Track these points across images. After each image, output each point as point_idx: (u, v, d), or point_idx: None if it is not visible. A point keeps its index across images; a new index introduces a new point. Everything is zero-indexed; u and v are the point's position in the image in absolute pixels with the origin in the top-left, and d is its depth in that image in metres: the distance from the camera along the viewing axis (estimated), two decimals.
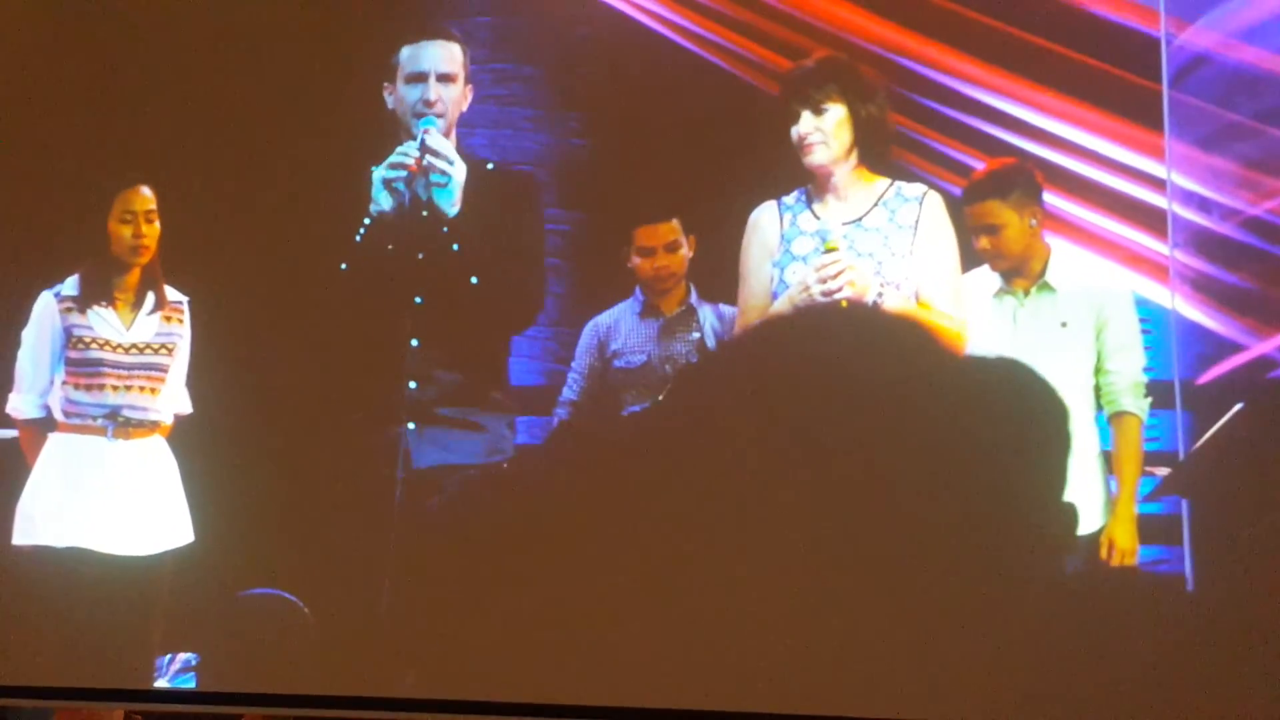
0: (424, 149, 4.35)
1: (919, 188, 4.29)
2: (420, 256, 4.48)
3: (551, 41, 4.58)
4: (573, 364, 4.53)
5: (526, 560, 4.36)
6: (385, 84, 4.48)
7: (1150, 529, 4.17)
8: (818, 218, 4.34)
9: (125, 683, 4.58)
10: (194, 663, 4.63)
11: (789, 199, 4.33)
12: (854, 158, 4.32)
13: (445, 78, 4.44)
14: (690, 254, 4.47)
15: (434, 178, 4.36)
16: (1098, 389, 4.20)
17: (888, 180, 4.33)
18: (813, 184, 4.34)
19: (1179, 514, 4.17)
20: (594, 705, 4.27)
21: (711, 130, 4.46)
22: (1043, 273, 4.25)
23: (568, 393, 4.57)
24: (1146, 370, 4.20)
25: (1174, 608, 4.13)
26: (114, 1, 4.92)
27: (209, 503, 4.65)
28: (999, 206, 4.25)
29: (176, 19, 4.87)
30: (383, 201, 4.41)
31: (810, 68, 4.30)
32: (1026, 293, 4.26)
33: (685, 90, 4.49)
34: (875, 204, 4.28)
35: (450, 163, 4.37)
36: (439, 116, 4.42)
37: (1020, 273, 4.27)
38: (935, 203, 4.27)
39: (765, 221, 4.34)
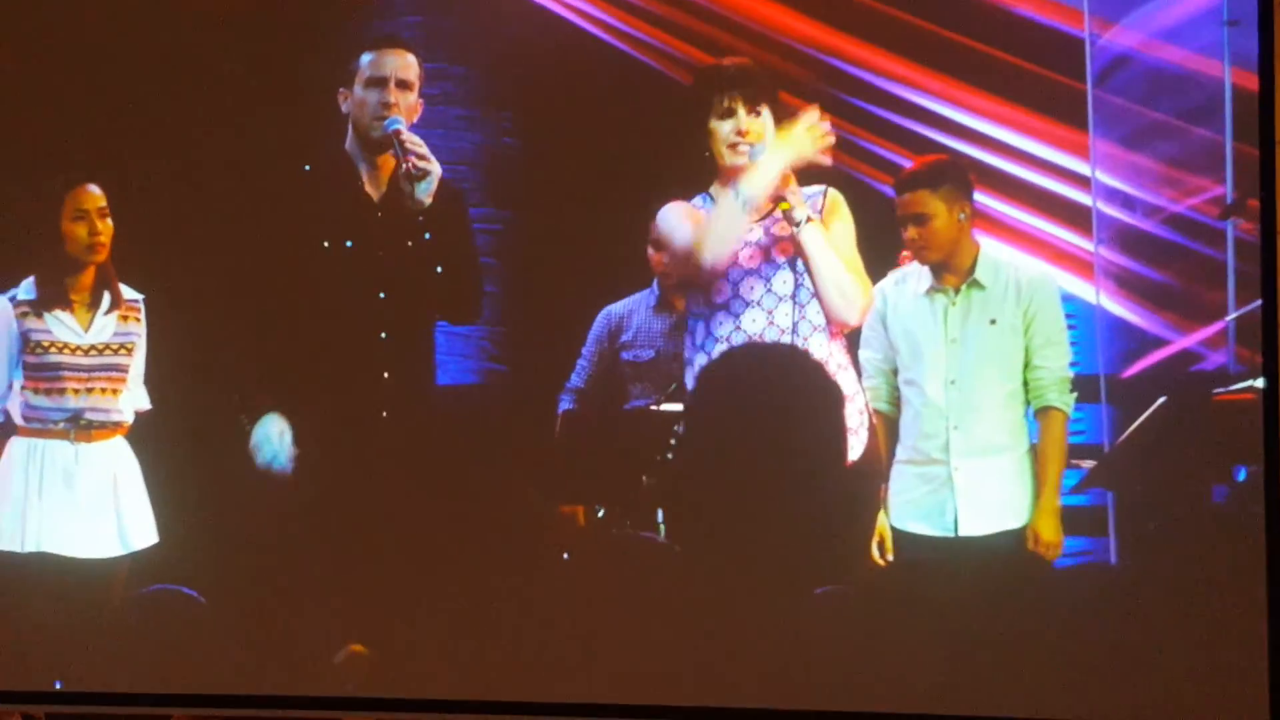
0: (401, 144, 4.39)
1: (818, 187, 4.36)
2: (380, 254, 4.52)
3: (482, 41, 4.57)
4: (583, 350, 4.60)
5: (509, 563, 4.47)
6: (341, 89, 4.50)
7: (1076, 521, 4.30)
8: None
9: (85, 685, 4.65)
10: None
11: (697, 201, 4.38)
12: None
13: (403, 84, 4.48)
14: None
15: (417, 168, 4.39)
16: (1025, 384, 4.29)
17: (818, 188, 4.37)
18: (716, 183, 4.37)
19: (1104, 505, 4.29)
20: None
21: (638, 127, 4.49)
22: (972, 270, 4.32)
23: (574, 380, 4.64)
24: (1072, 365, 4.29)
25: (1100, 597, 4.28)
26: (55, 6, 4.84)
27: (173, 503, 4.68)
28: (928, 197, 4.30)
29: (120, 17, 4.82)
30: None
31: (738, 65, 4.31)
32: (957, 290, 4.33)
33: (612, 88, 4.52)
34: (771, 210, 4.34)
35: (428, 158, 4.42)
36: (398, 113, 4.46)
37: (949, 269, 4.34)
38: (836, 198, 4.35)
39: (680, 206, 4.37)
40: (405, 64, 4.50)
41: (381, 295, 4.50)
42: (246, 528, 4.55)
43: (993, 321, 4.31)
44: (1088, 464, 4.32)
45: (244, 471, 4.60)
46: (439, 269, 4.48)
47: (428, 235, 4.45)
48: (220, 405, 4.64)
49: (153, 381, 4.76)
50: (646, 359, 4.53)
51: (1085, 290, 4.31)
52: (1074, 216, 4.31)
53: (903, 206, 4.32)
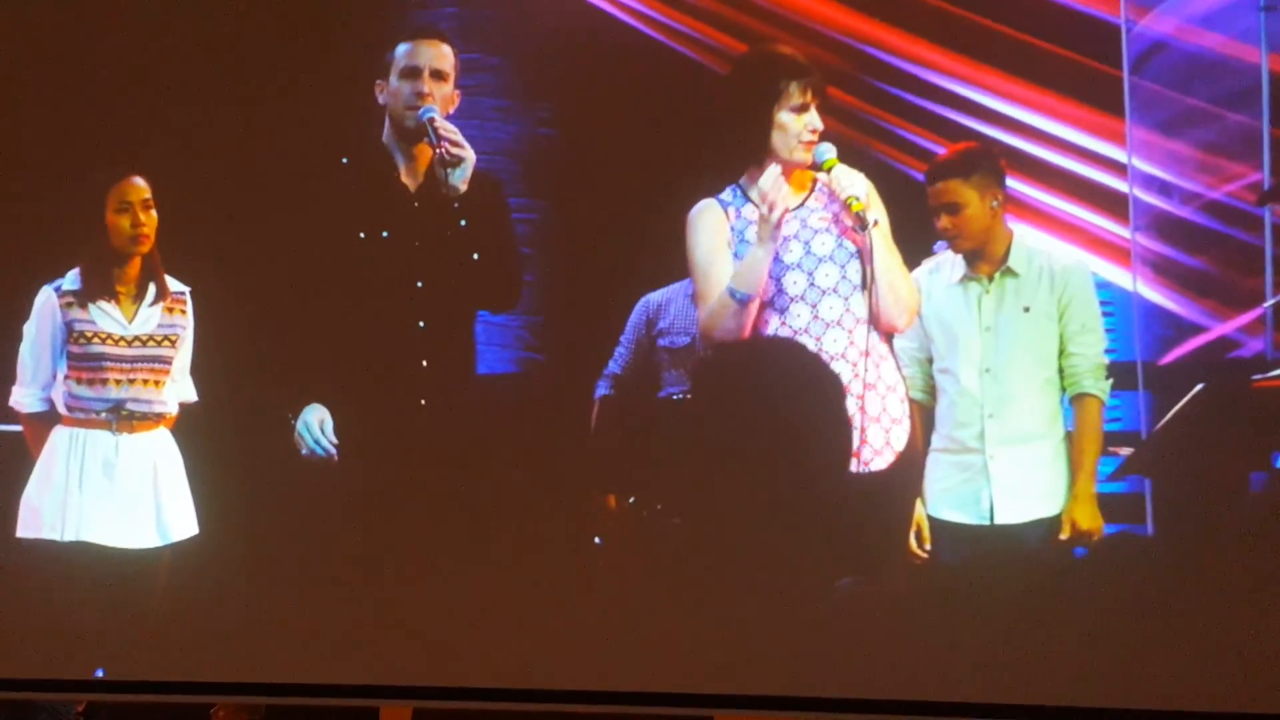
0: (435, 131, 4.42)
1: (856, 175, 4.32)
2: (417, 244, 4.55)
3: (518, 32, 4.60)
4: (621, 338, 4.62)
5: (543, 556, 4.49)
6: (378, 81, 4.53)
7: (1114, 508, 4.28)
8: (760, 210, 4.35)
9: (126, 674, 4.68)
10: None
11: (725, 195, 4.38)
12: None
13: (437, 74, 4.51)
14: None
15: (452, 155, 4.41)
16: (1060, 371, 4.27)
17: (811, 174, 4.35)
18: (744, 177, 4.36)
19: (1142, 493, 4.27)
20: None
21: (676, 118, 4.50)
22: (1005, 257, 4.31)
23: (613, 366, 4.66)
24: (1109, 352, 4.28)
25: (1137, 584, 4.26)
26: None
27: (214, 494, 4.71)
28: (960, 186, 4.30)
29: (166, 9, 4.86)
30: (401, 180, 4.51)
31: (796, 57, 4.29)
32: (990, 278, 4.32)
33: (649, 79, 4.53)
34: (812, 190, 4.33)
35: (462, 144, 4.44)
36: (433, 102, 4.49)
37: (983, 257, 4.33)
38: (872, 187, 4.31)
39: (711, 218, 4.36)
40: (440, 54, 4.52)
41: (419, 285, 4.52)
42: (287, 517, 4.56)
43: (1027, 309, 4.30)
44: (1125, 451, 4.31)
45: (285, 463, 4.60)
46: (475, 256, 4.49)
47: (463, 222, 4.47)
48: (263, 397, 4.64)
49: (200, 373, 4.76)
50: (682, 345, 4.54)
51: (1122, 277, 4.30)
52: (1110, 203, 4.30)
53: (935, 195, 4.31)
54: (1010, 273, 4.31)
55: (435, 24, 4.59)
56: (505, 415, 4.61)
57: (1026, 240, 4.33)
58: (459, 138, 4.43)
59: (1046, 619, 4.26)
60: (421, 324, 4.53)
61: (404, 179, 4.55)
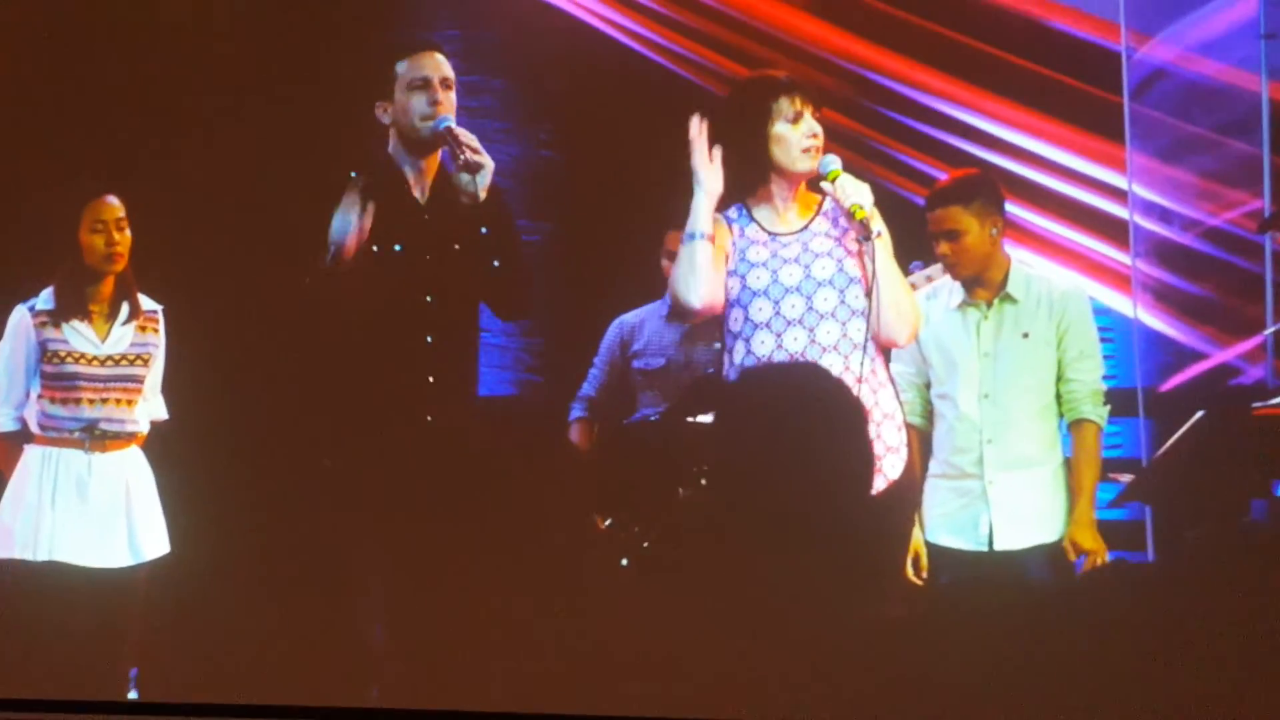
0: (455, 142, 4.38)
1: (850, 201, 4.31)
2: (427, 257, 4.52)
3: (521, 55, 4.60)
4: (595, 360, 4.54)
5: (528, 570, 4.43)
6: (379, 102, 4.48)
7: (1114, 535, 4.25)
8: (764, 229, 4.33)
9: (99, 695, 4.60)
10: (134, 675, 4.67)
11: (731, 213, 4.35)
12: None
13: (445, 83, 4.47)
14: None
15: (473, 160, 4.38)
16: (1058, 396, 4.25)
17: (818, 194, 4.33)
18: (750, 198, 4.34)
19: (1142, 520, 4.24)
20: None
21: (676, 140, 4.49)
22: (1004, 284, 4.28)
23: (586, 389, 4.57)
24: (1109, 379, 4.26)
25: (1136, 610, 4.22)
26: (81, 18, 4.89)
27: (186, 512, 4.62)
28: (960, 213, 4.27)
29: (136, 30, 4.87)
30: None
31: (789, 78, 4.29)
32: (989, 304, 4.30)
33: (650, 101, 4.53)
34: (816, 214, 4.30)
35: (479, 151, 4.41)
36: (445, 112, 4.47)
37: (982, 283, 4.30)
38: (874, 215, 4.27)
39: (718, 230, 4.35)
40: (442, 64, 4.48)
41: (428, 299, 4.49)
42: (271, 533, 4.51)
43: (1025, 335, 4.27)
44: (1125, 478, 4.28)
45: (267, 480, 4.56)
46: (496, 263, 4.45)
47: (484, 229, 4.43)
48: (244, 413, 4.61)
49: (171, 393, 4.70)
50: (656, 367, 4.50)
51: (1123, 303, 4.29)
52: (1111, 230, 4.31)
53: (935, 222, 4.29)
54: (1009, 299, 4.29)
55: (429, 37, 4.56)
56: (509, 433, 4.57)
57: (1025, 267, 4.31)
58: (477, 144, 4.40)
59: (1046, 645, 4.21)
60: (429, 339, 4.48)
61: (414, 192, 4.52)
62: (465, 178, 4.29)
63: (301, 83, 4.74)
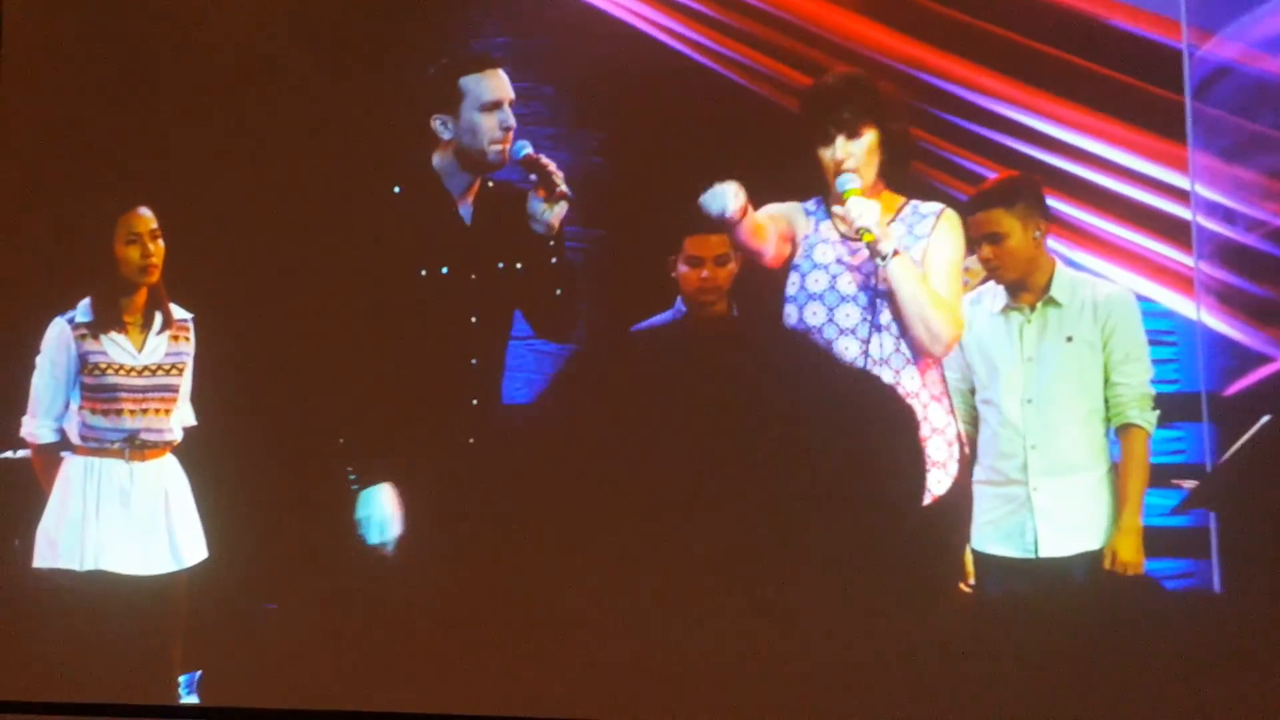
0: (542, 171, 4.35)
1: (936, 205, 4.22)
2: (473, 278, 4.47)
3: (570, 61, 4.57)
4: None
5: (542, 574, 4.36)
6: (437, 115, 4.43)
7: (1177, 543, 4.13)
8: (837, 229, 4.29)
9: (148, 699, 4.56)
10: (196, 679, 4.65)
11: (810, 205, 4.30)
12: (882, 181, 4.25)
13: (511, 104, 4.45)
14: (736, 269, 4.43)
15: (559, 192, 4.34)
16: (1105, 402, 4.16)
17: (904, 199, 4.26)
18: (828, 194, 4.30)
19: (1207, 527, 4.13)
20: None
21: (728, 146, 4.45)
22: (1048, 287, 4.22)
23: None
24: (1171, 383, 4.17)
25: (1203, 621, 4.10)
26: (114, 28, 4.91)
27: (222, 517, 4.64)
28: (1003, 215, 4.21)
29: (176, 42, 4.88)
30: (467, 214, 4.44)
31: (840, 86, 4.22)
32: (1033, 308, 4.23)
33: (702, 107, 4.49)
34: (893, 219, 4.24)
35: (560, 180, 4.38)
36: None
37: (1025, 287, 4.24)
38: (950, 219, 4.19)
39: (794, 212, 4.29)
40: (508, 83, 4.46)
41: (473, 320, 4.44)
42: (307, 541, 4.46)
43: (1070, 339, 4.20)
44: (1189, 484, 4.17)
45: (302, 487, 4.54)
46: (559, 292, 4.41)
47: (554, 260, 4.40)
48: (273, 423, 4.56)
49: (201, 400, 4.73)
50: None
51: (1185, 306, 4.19)
52: (1173, 231, 4.22)
53: (976, 226, 4.21)
54: (1053, 302, 4.22)
55: (491, 52, 4.54)
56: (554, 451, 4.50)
57: (1069, 270, 4.22)
58: (560, 174, 4.35)
59: (1094, 652, 4.10)
60: (474, 361, 4.44)
61: (459, 210, 4.48)
62: (541, 206, 4.25)
63: (342, 90, 4.70)
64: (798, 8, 4.46)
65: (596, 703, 4.28)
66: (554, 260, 4.39)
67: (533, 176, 4.30)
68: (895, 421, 4.05)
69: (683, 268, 4.45)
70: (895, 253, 4.11)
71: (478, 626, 4.37)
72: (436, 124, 4.43)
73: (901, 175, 4.25)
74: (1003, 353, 4.22)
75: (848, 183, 4.17)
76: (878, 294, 4.21)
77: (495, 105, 4.40)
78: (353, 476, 4.40)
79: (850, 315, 4.22)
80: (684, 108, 4.51)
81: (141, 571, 4.65)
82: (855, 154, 4.16)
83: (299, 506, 4.56)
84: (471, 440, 4.43)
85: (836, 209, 4.20)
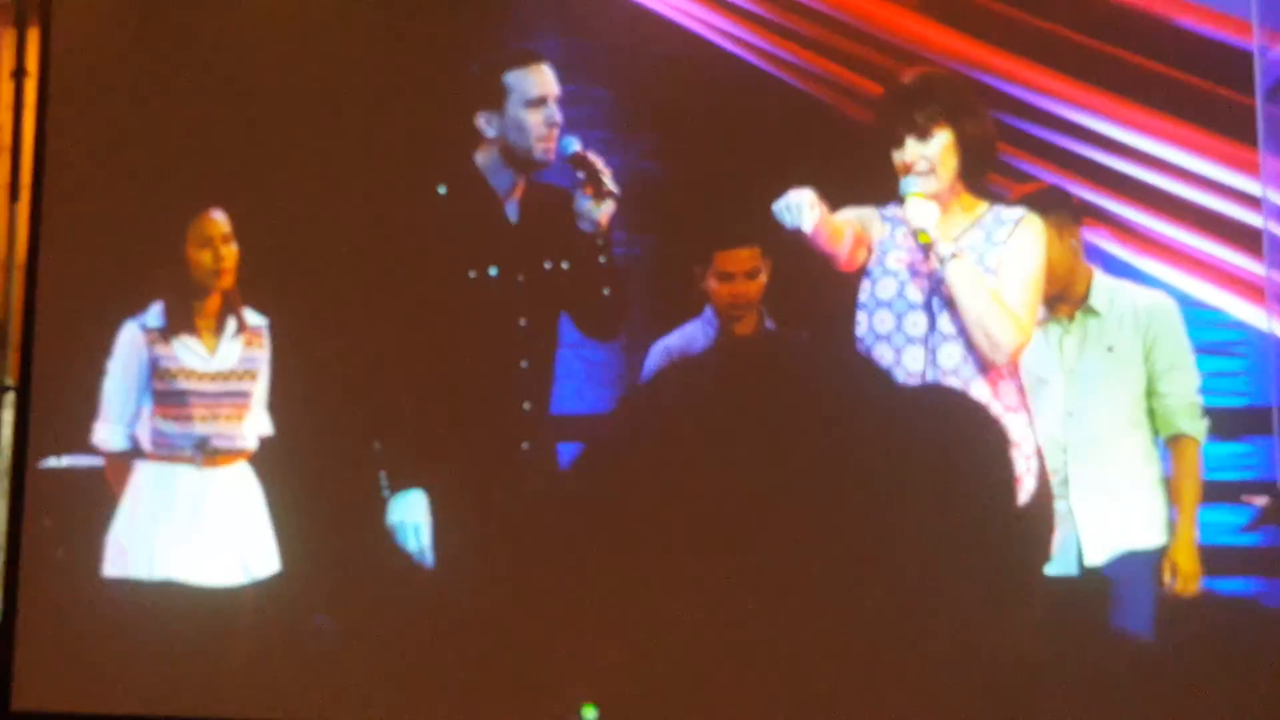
0: (590, 168, 4.29)
1: (1018, 211, 4.10)
2: (521, 279, 4.42)
3: (622, 63, 4.50)
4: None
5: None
6: (483, 113, 4.36)
7: (1249, 561, 4.05)
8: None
9: (213, 711, 4.58)
10: None
11: (887, 210, 4.21)
12: (961, 184, 4.13)
13: (558, 100, 4.39)
14: (766, 280, 4.37)
15: (606, 189, 4.28)
16: (1152, 413, 4.06)
17: (987, 204, 4.14)
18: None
19: (1279, 546, 4.04)
20: None
21: (784, 151, 4.36)
22: (1086, 296, 4.14)
23: None
24: (1242, 396, 4.07)
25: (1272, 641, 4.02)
26: (182, 31, 4.88)
27: (294, 528, 4.62)
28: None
29: (243, 45, 4.85)
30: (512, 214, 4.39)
31: (911, 87, 4.11)
32: (1071, 319, 4.15)
33: (757, 111, 4.42)
34: (972, 226, 4.14)
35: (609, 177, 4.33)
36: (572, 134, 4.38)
37: (1064, 298, 4.16)
38: (1032, 225, 4.07)
39: (870, 216, 4.18)
40: (553, 79, 4.40)
41: (523, 323, 4.39)
42: (372, 554, 4.44)
43: (1110, 349, 4.12)
44: (1260, 501, 4.07)
45: (371, 500, 4.47)
46: (607, 291, 4.35)
47: (602, 259, 4.34)
48: (347, 432, 4.52)
49: (277, 408, 4.70)
50: None
51: (1257, 317, 4.07)
52: (1243, 238, 4.09)
53: None
54: (1091, 312, 4.13)
55: (536, 49, 4.45)
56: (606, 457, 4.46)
57: (1108, 278, 4.13)
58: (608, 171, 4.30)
59: (1145, 666, 4.04)
60: (524, 364, 4.39)
61: (505, 209, 4.41)
62: (589, 204, 4.19)
63: (400, 90, 4.65)
64: (856, 8, 4.35)
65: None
66: (601, 259, 4.33)
67: (580, 174, 4.22)
68: (974, 433, 3.99)
69: (713, 282, 4.37)
70: (954, 256, 4.02)
71: (532, 641, 4.36)
72: (480, 121, 4.37)
73: (983, 179, 4.13)
74: (1042, 365, 4.16)
75: (910, 186, 4.08)
76: (944, 303, 4.12)
77: (541, 101, 4.33)
78: (385, 483, 4.37)
79: (918, 323, 4.15)
80: (737, 112, 4.45)
81: (210, 582, 4.64)
82: (927, 156, 4.06)
83: (366, 520, 4.51)
84: (526, 445, 4.39)
85: (898, 210, 4.12)
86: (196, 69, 4.88)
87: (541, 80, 4.36)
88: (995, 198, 4.16)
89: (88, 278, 4.86)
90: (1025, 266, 4.06)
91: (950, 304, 4.07)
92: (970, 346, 4.07)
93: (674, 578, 4.23)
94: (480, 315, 4.36)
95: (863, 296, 4.20)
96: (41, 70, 5.00)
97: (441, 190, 4.37)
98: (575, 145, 4.29)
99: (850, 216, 4.16)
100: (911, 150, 4.06)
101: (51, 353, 4.83)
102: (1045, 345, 4.15)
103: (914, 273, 4.13)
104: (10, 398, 4.96)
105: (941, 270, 4.02)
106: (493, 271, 4.37)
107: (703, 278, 4.45)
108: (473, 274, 4.39)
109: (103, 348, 4.76)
